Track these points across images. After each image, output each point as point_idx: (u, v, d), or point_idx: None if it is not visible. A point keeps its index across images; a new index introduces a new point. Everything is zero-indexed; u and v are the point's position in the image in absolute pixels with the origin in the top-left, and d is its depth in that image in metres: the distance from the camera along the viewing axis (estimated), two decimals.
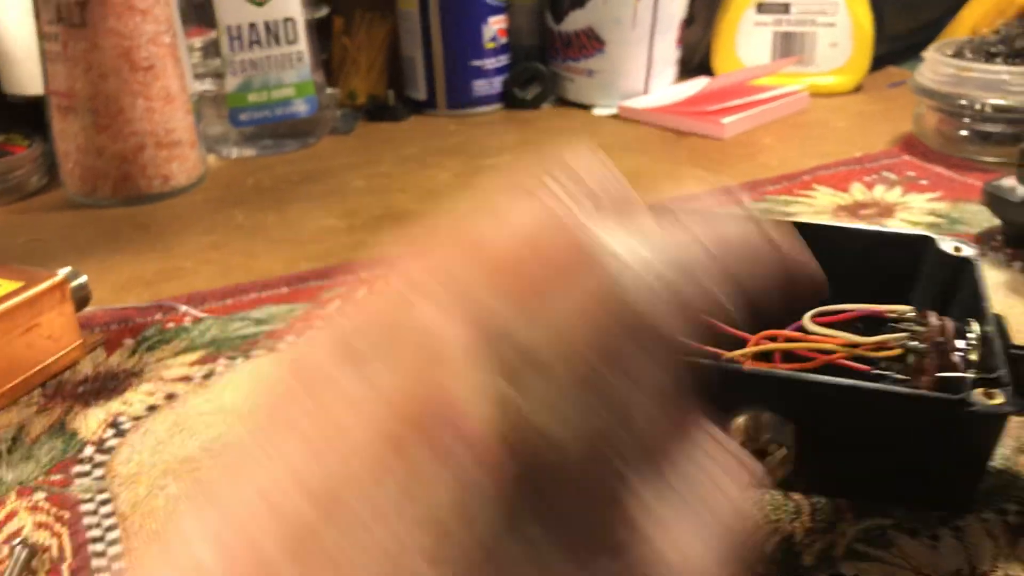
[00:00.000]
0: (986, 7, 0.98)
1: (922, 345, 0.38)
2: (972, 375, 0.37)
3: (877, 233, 0.49)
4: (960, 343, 0.38)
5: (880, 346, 0.39)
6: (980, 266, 0.42)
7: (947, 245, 0.44)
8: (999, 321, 0.40)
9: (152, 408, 0.50)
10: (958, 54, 0.81)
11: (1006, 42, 0.80)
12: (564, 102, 1.03)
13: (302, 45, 0.88)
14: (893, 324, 0.40)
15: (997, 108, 0.77)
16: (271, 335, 0.57)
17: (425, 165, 0.86)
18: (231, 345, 0.56)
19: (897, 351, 0.39)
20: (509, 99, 1.01)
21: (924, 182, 0.76)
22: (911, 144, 0.84)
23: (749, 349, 0.42)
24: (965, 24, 1.01)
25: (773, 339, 0.41)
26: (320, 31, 0.96)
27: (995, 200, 0.63)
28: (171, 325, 0.58)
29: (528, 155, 0.85)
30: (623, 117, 0.97)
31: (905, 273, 0.45)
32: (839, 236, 0.46)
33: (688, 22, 1.03)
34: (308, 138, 0.92)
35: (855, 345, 0.40)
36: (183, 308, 0.59)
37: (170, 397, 0.51)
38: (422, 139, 0.93)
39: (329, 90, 0.97)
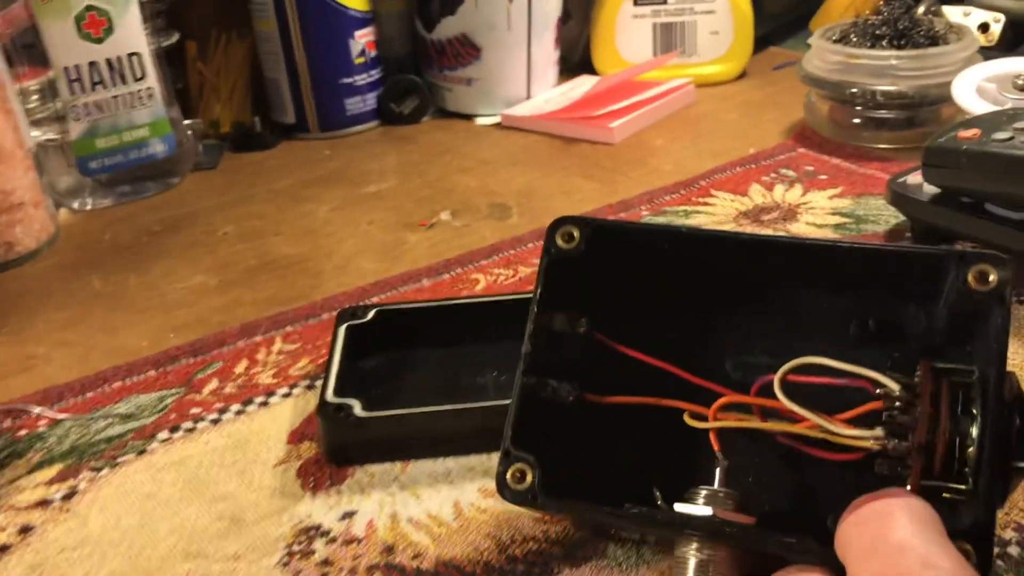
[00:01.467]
0: None
1: (902, 446, 0.34)
2: (958, 492, 0.33)
3: (881, 250, 0.38)
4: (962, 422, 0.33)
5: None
6: (1008, 307, 0.33)
7: (973, 269, 0.34)
8: (1016, 393, 0.33)
9: (3, 549, 0.43)
10: (844, 39, 0.79)
11: (890, 23, 0.78)
12: (445, 113, 0.97)
13: (151, 80, 0.80)
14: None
15: (888, 95, 0.75)
16: (140, 434, 0.50)
17: (300, 199, 0.79)
18: (95, 451, 0.49)
19: (873, 445, 0.35)
20: (386, 115, 0.95)
21: (823, 177, 0.73)
22: (805, 135, 0.82)
23: (710, 424, 0.38)
24: (842, 1, 0.99)
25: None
26: (172, 59, 0.88)
27: (901, 199, 0.61)
28: (23, 432, 0.51)
29: (412, 179, 0.79)
30: (507, 126, 0.92)
31: (910, 304, 0.38)
32: (833, 256, 0.38)
33: (564, 19, 0.98)
34: (170, 178, 0.85)
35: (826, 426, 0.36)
36: (36, 410, 0.52)
37: (25, 531, 0.44)
38: (295, 168, 0.87)
39: (188, 121, 0.89)
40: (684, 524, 0.35)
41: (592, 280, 0.41)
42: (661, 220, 0.69)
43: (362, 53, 0.92)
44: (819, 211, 0.68)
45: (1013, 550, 0.40)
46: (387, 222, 0.74)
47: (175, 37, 0.90)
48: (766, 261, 0.40)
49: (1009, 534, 0.40)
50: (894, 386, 0.34)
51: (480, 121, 0.94)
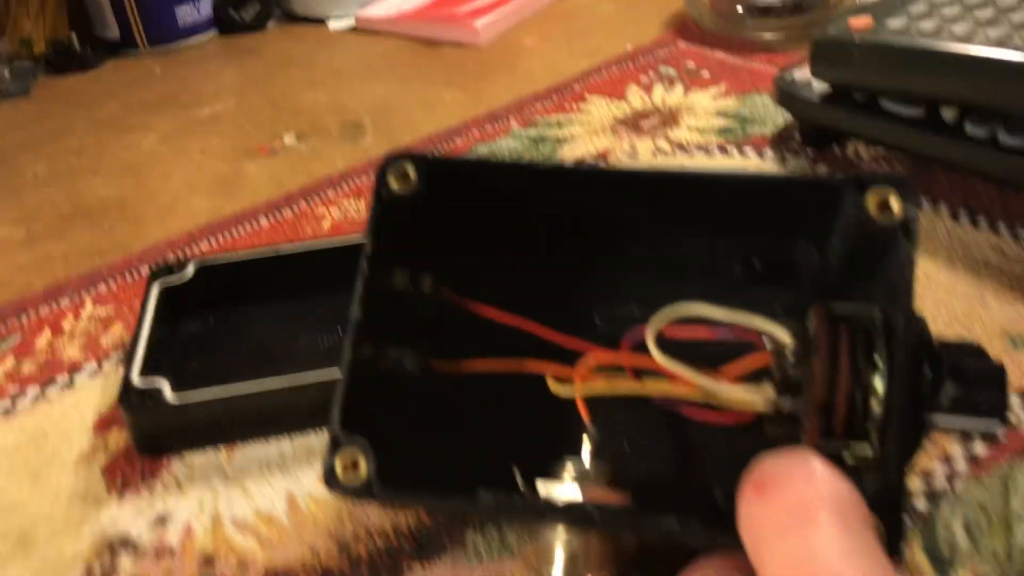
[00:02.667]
0: None
1: (796, 405, 0.28)
2: (863, 454, 0.27)
3: (765, 180, 0.32)
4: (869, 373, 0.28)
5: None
6: (915, 240, 0.27)
7: (873, 196, 0.28)
8: (926, 338, 0.28)
9: None
10: None
11: None
12: (292, 18, 0.87)
13: None
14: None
15: None
16: None
17: (125, 129, 0.69)
18: None
19: (763, 406, 0.29)
20: (225, 23, 0.84)
21: (706, 74, 0.67)
22: (685, 27, 0.75)
23: (575, 391, 0.32)
24: None
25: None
26: None
27: (788, 98, 0.55)
28: None
29: (253, 97, 0.69)
30: (364, 29, 0.83)
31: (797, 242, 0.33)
32: (710, 188, 0.32)
33: None
34: None
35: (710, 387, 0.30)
36: None
37: None
38: (121, 91, 0.76)
39: None
40: (547, 511, 0.29)
41: (435, 227, 0.34)
42: (532, 133, 0.62)
43: None
44: (702, 114, 0.62)
45: (920, 503, 0.35)
46: (223, 150, 0.65)
47: None
48: (634, 197, 0.33)
49: (915, 484, 0.36)
50: (785, 336, 0.29)
51: (333, 25, 0.84)
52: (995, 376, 0.28)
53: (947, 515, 0.34)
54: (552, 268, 0.35)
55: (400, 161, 0.32)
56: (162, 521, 0.37)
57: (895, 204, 0.28)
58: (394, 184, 0.31)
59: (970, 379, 0.28)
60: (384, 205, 0.31)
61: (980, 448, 0.37)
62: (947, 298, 0.45)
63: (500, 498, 0.29)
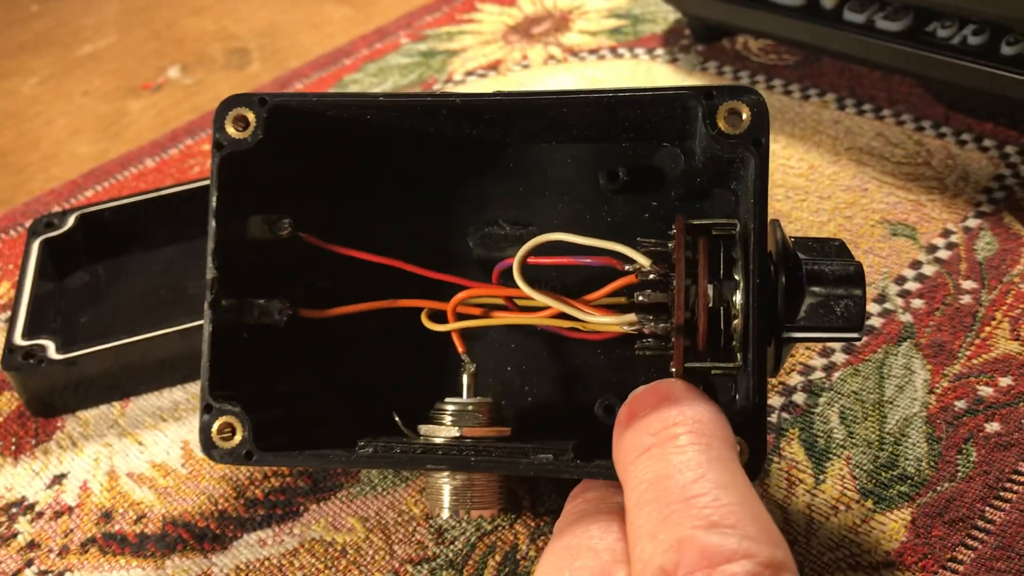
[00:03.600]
0: None
1: (659, 327, 0.28)
2: (725, 366, 0.28)
3: (617, 98, 0.29)
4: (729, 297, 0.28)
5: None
6: (765, 149, 0.27)
7: (722, 107, 0.27)
8: (782, 247, 0.28)
9: None
10: None
11: None
12: None
13: None
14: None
15: None
16: None
17: (2, 73, 0.66)
18: None
19: (628, 331, 0.29)
20: None
21: None
22: None
23: (448, 327, 0.32)
24: None
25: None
26: None
27: None
28: None
29: (136, 30, 0.66)
30: None
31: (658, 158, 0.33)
32: (567, 107, 0.30)
33: None
34: None
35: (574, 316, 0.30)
36: None
37: None
38: None
39: None
40: (427, 458, 0.29)
41: (287, 168, 0.33)
42: (423, 47, 0.61)
43: None
44: (593, 15, 0.61)
45: (799, 397, 0.36)
46: (106, 90, 0.62)
47: None
48: (490, 122, 0.32)
49: (794, 379, 0.37)
50: (644, 260, 0.29)
51: None
52: (852, 278, 0.28)
53: (824, 407, 0.36)
54: (417, 201, 0.35)
55: (235, 106, 0.30)
56: (58, 480, 0.37)
57: (744, 113, 0.27)
58: (232, 131, 0.30)
59: (827, 283, 0.28)
60: (224, 155, 0.30)
61: None
62: (831, 189, 0.45)
63: (379, 449, 0.29)
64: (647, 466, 0.24)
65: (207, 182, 0.46)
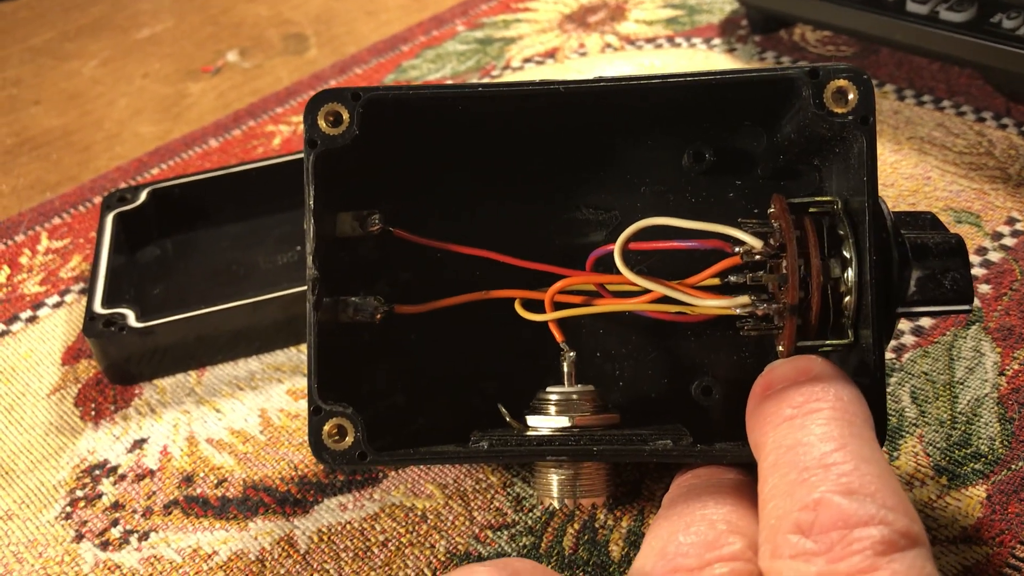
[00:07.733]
0: None
1: (771, 308, 0.28)
2: (837, 344, 0.28)
3: (719, 80, 0.29)
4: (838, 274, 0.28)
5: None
6: (873, 129, 0.27)
7: (829, 87, 0.28)
8: (890, 223, 0.28)
9: None
10: None
11: None
12: None
13: None
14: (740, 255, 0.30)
15: None
16: None
17: (63, 56, 0.68)
18: None
19: (740, 312, 0.29)
20: None
21: None
22: None
23: (546, 316, 0.32)
24: None
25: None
26: None
27: None
28: None
29: (191, 15, 0.68)
30: None
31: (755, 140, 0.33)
32: (653, 93, 0.30)
33: None
34: None
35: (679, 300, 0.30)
36: None
37: None
38: (53, 17, 0.74)
39: None
40: (544, 449, 0.29)
41: (378, 163, 0.32)
42: (479, 35, 0.61)
43: None
44: (649, 5, 0.61)
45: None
46: (165, 72, 0.63)
47: None
48: (576, 110, 0.32)
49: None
50: (755, 242, 0.29)
51: None
52: (955, 250, 0.28)
53: (895, 387, 0.36)
54: (497, 191, 0.34)
55: (328, 101, 0.29)
56: (139, 445, 0.38)
57: (851, 94, 0.28)
58: (325, 127, 0.29)
59: (933, 256, 0.28)
60: (319, 153, 0.29)
61: (925, 320, 0.38)
62: (894, 177, 0.46)
63: (494, 443, 0.29)
64: (787, 432, 0.24)
65: (273, 161, 0.48)
